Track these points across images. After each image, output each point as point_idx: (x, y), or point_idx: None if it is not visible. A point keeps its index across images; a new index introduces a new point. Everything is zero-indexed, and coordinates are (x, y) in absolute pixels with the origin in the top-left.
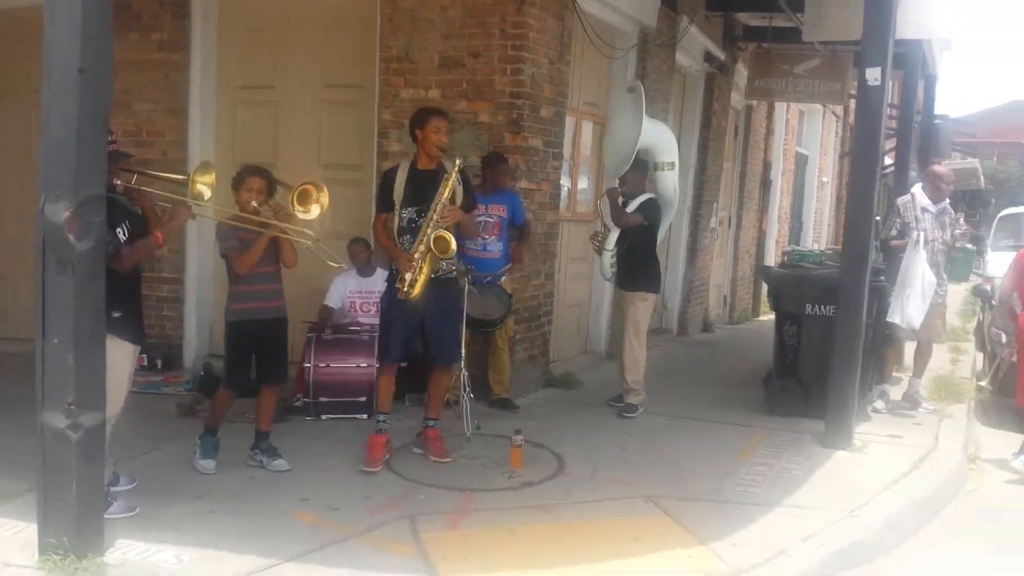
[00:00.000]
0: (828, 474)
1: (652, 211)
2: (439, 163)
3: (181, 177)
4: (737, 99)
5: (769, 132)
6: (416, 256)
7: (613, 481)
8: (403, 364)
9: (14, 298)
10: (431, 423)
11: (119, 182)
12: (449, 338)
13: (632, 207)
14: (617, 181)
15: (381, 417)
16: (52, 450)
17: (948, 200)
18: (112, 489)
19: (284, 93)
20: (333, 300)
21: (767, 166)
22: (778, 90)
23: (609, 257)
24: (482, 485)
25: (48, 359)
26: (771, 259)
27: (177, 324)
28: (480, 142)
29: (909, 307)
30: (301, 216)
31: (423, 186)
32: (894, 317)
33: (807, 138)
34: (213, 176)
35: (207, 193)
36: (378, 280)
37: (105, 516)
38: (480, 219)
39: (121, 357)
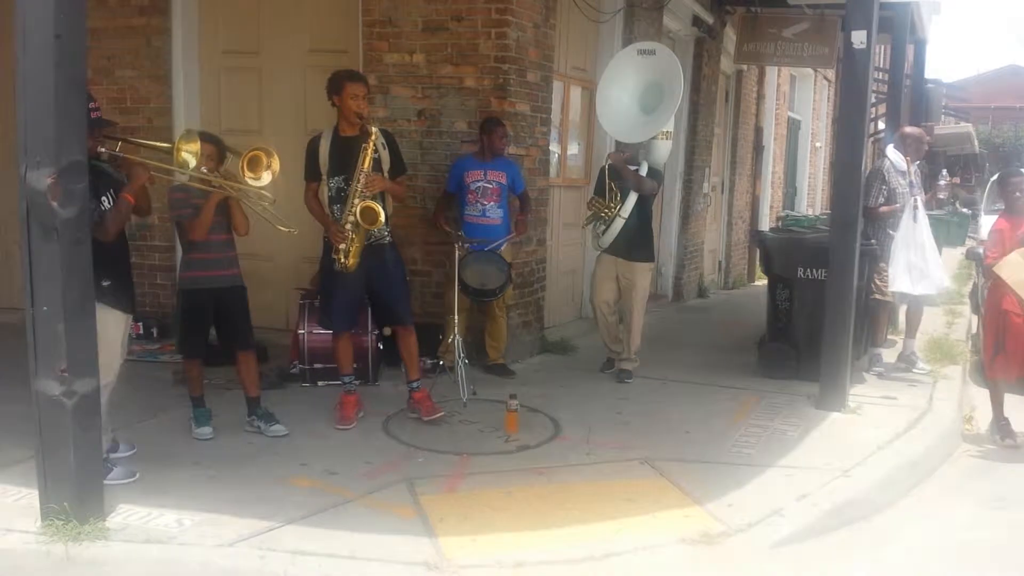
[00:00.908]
0: (822, 435)
1: (660, 179)
2: (363, 129)
3: (166, 145)
4: (727, 64)
5: (760, 97)
6: (347, 227)
7: (609, 444)
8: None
9: (5, 266)
10: (414, 385)
11: (104, 149)
12: (397, 298)
13: (643, 173)
14: (613, 146)
15: (346, 379)
16: (48, 417)
17: (921, 161)
18: (112, 456)
19: (268, 58)
20: None
21: (759, 131)
22: (767, 54)
23: (621, 224)
24: (479, 449)
25: (39, 327)
26: (765, 224)
27: (170, 292)
28: (467, 107)
29: (936, 273)
30: (252, 183)
31: (348, 154)
32: (901, 286)
33: (799, 103)
34: (198, 144)
35: (192, 161)
36: None
37: (105, 482)
38: (479, 184)
39: (113, 325)
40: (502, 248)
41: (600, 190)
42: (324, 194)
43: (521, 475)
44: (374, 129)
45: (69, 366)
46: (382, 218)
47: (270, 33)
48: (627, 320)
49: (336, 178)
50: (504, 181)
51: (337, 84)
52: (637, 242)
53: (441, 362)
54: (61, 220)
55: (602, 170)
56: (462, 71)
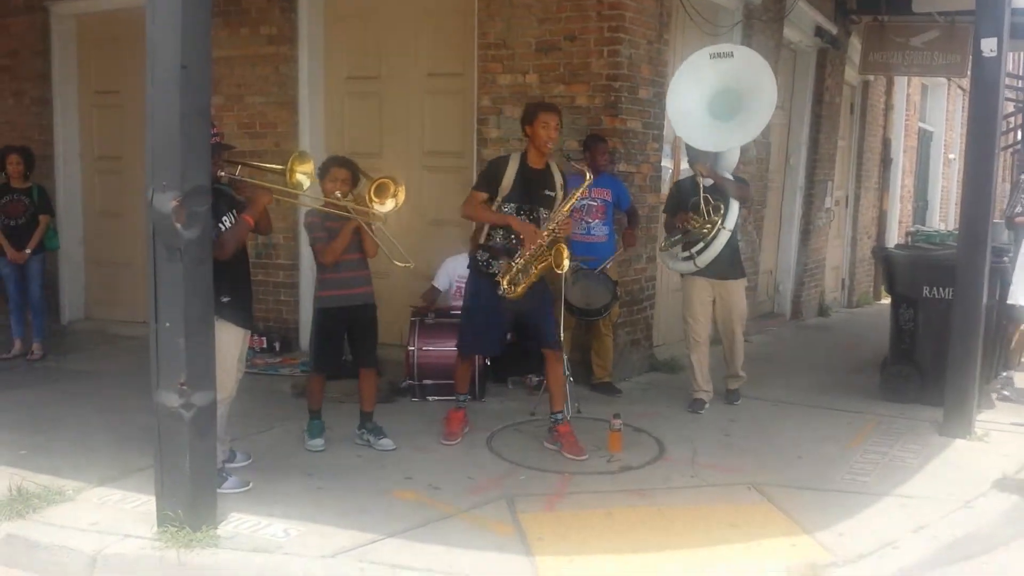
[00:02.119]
0: (945, 463)
1: (748, 184)
2: (546, 163)
3: (280, 167)
4: (851, 74)
5: (888, 107)
6: (534, 253)
7: (714, 467)
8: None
9: (142, 284)
10: (558, 417)
11: (223, 173)
12: (548, 320)
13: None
14: (687, 152)
15: (460, 397)
16: (167, 428)
17: None
18: (228, 465)
19: (388, 83)
20: (441, 281)
21: (887, 143)
22: (894, 64)
23: (726, 237)
24: (581, 468)
25: (161, 342)
26: (893, 240)
27: (293, 308)
28: (578, 126)
29: None
30: (376, 208)
31: (531, 184)
32: (1017, 299)
33: (931, 113)
34: (311, 165)
35: (306, 182)
36: None
37: (220, 491)
38: (583, 202)
39: (231, 340)
40: (609, 266)
41: (679, 207)
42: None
43: (622, 496)
44: (589, 176)
45: (188, 379)
46: (567, 263)
47: (390, 58)
48: (727, 341)
49: (511, 204)
50: (609, 198)
51: (530, 113)
52: (732, 259)
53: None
54: (184, 241)
55: (676, 185)
56: (574, 90)
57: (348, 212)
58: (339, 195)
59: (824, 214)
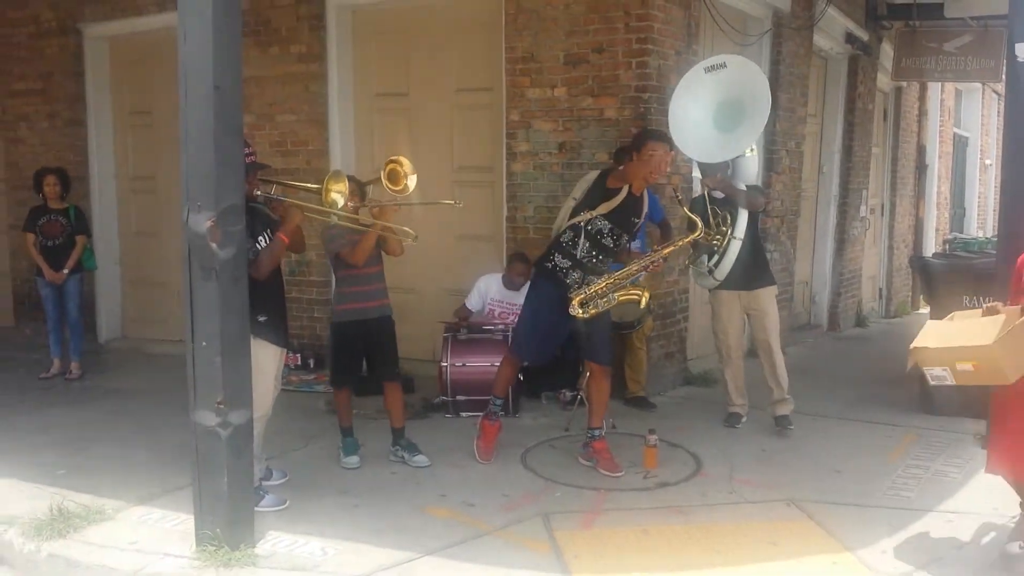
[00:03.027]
0: (989, 478)
1: (762, 193)
2: (643, 192)
3: (315, 186)
4: (884, 81)
5: (922, 114)
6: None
7: (752, 483)
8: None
9: (177, 303)
10: (595, 433)
11: (259, 192)
12: (603, 338)
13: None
14: (698, 167)
15: (497, 401)
16: (204, 447)
17: None
18: (265, 483)
19: (417, 99)
20: (473, 303)
21: (922, 149)
22: (927, 69)
23: (737, 247)
24: (616, 485)
25: (198, 361)
26: (930, 248)
27: (326, 325)
28: (607, 138)
29: None
30: (398, 193)
31: (628, 211)
32: None
33: (966, 118)
34: (345, 184)
35: (341, 200)
36: (523, 294)
37: (257, 509)
38: None
39: (268, 359)
40: (641, 279)
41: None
42: (563, 221)
43: (659, 513)
44: (701, 225)
45: (225, 398)
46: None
47: (419, 75)
48: (766, 357)
49: (607, 223)
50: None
51: (639, 142)
52: (755, 267)
53: (580, 394)
54: (220, 260)
55: (691, 203)
56: (602, 102)
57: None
58: (352, 205)
59: (859, 223)
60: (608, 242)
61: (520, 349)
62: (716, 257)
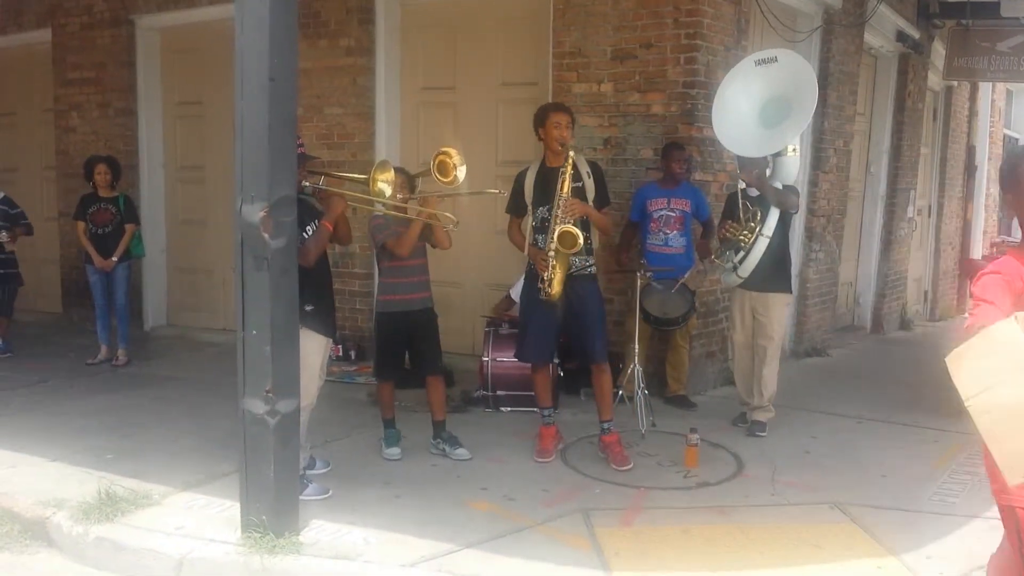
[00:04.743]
0: None
1: (797, 194)
2: (568, 158)
3: (363, 176)
4: (935, 80)
5: (973, 114)
6: (550, 254)
7: (795, 485)
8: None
9: (222, 291)
10: (605, 427)
11: (307, 183)
12: (592, 333)
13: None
14: (737, 161)
15: (545, 411)
16: (252, 434)
17: None
18: (308, 473)
19: (462, 93)
20: (517, 293)
21: (971, 150)
22: (980, 69)
23: (764, 244)
24: (656, 483)
25: (248, 349)
26: (978, 251)
27: (369, 316)
28: (653, 134)
29: None
30: (447, 184)
31: (552, 183)
32: None
33: (1017, 119)
34: (391, 173)
35: (388, 190)
36: None
37: (301, 497)
38: (661, 213)
39: (314, 348)
40: (687, 277)
41: (730, 215)
42: (528, 225)
43: (700, 513)
44: (572, 154)
45: (274, 386)
46: (580, 241)
47: (465, 69)
48: (758, 362)
49: (541, 208)
50: (688, 209)
51: (541, 115)
52: (774, 270)
53: (620, 392)
54: (271, 251)
55: (731, 196)
56: (649, 98)
57: (413, 212)
58: (400, 197)
59: (906, 224)
60: (546, 223)
61: (522, 354)
62: (742, 254)
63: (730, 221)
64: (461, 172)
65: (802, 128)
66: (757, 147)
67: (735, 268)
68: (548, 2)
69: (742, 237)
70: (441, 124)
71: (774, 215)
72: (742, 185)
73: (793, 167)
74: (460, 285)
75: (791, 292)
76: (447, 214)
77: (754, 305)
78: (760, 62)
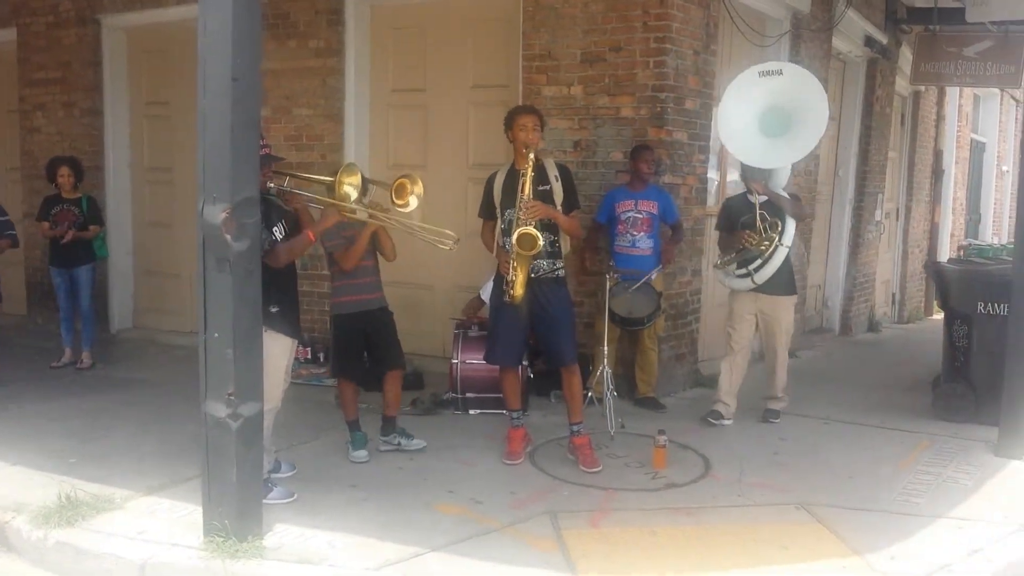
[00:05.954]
0: (1000, 485)
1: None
2: (536, 161)
3: (329, 179)
4: (902, 85)
5: (940, 119)
6: (512, 257)
7: (762, 486)
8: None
9: (190, 294)
10: (575, 429)
11: (272, 184)
12: (560, 335)
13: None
14: (741, 169)
15: (514, 414)
16: (214, 437)
17: None
18: (274, 476)
19: (433, 95)
20: (487, 294)
21: (938, 154)
22: (947, 74)
23: (784, 254)
24: (624, 485)
25: (210, 352)
26: (945, 254)
27: None
28: (623, 137)
29: None
30: (401, 210)
31: (512, 186)
32: None
33: (984, 124)
34: (358, 177)
35: (353, 194)
36: None
37: (266, 501)
38: (629, 215)
39: (279, 350)
40: (653, 278)
41: (732, 225)
42: (499, 228)
43: (667, 514)
44: (532, 156)
45: (236, 390)
46: (540, 243)
47: (435, 71)
48: (769, 360)
49: (508, 211)
50: (655, 211)
51: (509, 119)
52: (787, 275)
53: (590, 394)
54: (234, 252)
55: (727, 203)
56: (619, 101)
57: (373, 218)
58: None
59: (874, 227)
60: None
61: (490, 356)
62: (759, 262)
63: (749, 232)
64: (414, 201)
65: (812, 146)
66: (759, 158)
67: (749, 275)
68: (518, 4)
69: (763, 247)
70: (411, 126)
71: (791, 225)
72: (759, 199)
73: (785, 175)
74: (430, 288)
75: (797, 293)
76: (447, 231)
77: (762, 307)
78: (764, 73)
